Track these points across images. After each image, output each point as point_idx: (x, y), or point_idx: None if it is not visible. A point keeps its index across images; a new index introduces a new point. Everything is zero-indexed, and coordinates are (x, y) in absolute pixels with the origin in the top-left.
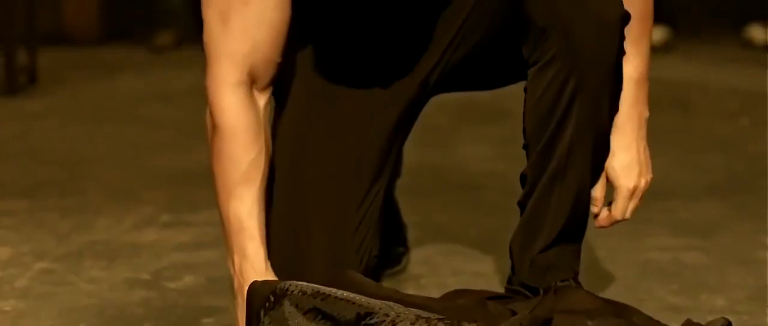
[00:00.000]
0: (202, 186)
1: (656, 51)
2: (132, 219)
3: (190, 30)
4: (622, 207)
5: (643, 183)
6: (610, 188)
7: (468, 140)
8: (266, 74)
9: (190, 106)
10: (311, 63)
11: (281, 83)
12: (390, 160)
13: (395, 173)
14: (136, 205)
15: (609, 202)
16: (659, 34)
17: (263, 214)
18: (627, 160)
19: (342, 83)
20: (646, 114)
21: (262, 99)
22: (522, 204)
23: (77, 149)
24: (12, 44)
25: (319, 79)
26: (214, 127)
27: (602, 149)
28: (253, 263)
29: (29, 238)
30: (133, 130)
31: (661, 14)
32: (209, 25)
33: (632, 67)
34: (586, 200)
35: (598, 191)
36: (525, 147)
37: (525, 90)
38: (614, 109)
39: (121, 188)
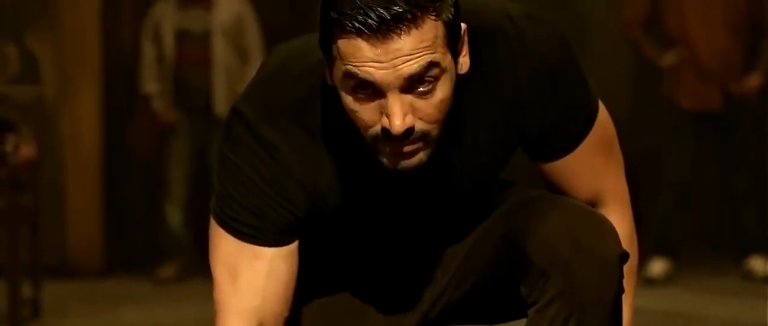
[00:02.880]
0: None
1: (657, 283)
2: None
3: (193, 262)
4: None
5: None
6: None
7: None
8: None
9: None
10: (313, 298)
11: None
12: None
13: None
14: None
15: None
16: (660, 266)
17: None
18: None
19: (343, 318)
20: None
21: None
22: None
23: None
24: (16, 276)
25: (321, 313)
26: None
27: None
28: None
29: None
30: None
31: (661, 246)
32: (218, 282)
33: None
34: None
35: None
36: None
37: None
38: None
39: None
